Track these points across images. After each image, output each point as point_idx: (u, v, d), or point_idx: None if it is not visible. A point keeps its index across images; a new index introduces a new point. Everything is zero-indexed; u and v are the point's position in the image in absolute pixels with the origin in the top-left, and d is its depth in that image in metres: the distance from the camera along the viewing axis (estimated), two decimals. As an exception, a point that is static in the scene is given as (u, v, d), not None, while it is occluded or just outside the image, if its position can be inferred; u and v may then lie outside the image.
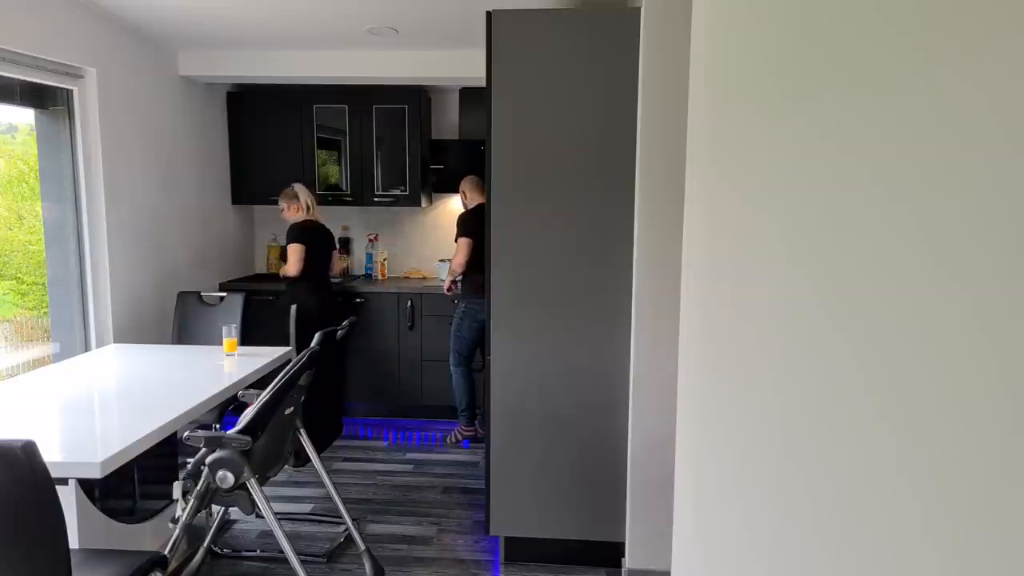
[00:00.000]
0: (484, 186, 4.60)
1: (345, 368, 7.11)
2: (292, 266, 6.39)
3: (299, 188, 6.58)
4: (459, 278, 6.52)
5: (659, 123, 3.86)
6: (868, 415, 1.09)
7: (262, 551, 4.74)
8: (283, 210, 6.55)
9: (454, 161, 7.56)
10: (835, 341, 1.19)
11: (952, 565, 0.90)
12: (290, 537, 3.93)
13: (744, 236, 1.66)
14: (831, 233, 1.20)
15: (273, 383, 3.90)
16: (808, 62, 1.32)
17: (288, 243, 6.42)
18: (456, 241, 6.43)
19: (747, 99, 1.66)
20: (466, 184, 6.60)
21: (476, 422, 6.72)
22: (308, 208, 6.53)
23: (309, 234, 6.49)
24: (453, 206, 7.82)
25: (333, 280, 7.09)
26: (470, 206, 6.47)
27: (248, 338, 5.74)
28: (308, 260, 6.44)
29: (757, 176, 1.57)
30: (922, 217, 0.95)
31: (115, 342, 5.69)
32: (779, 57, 1.46)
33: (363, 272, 8.06)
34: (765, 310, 1.51)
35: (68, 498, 3.44)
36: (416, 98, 7.38)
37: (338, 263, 7.00)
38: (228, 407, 4.84)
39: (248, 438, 3.61)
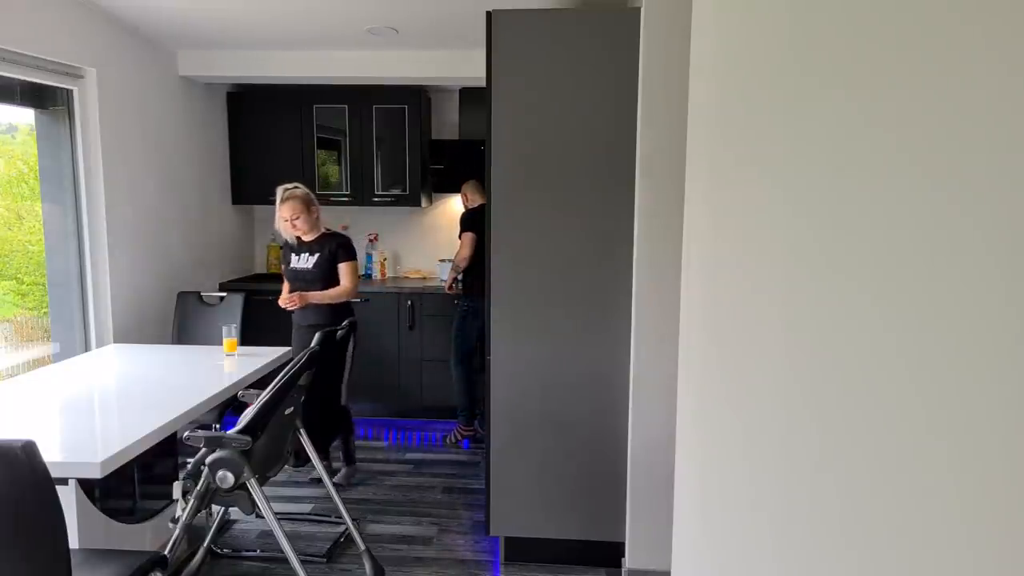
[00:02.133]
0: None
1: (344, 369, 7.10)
2: (355, 287, 5.73)
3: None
4: (460, 276, 6.53)
5: (659, 123, 3.85)
6: (869, 413, 1.09)
7: (262, 551, 4.74)
8: (315, 216, 5.70)
9: (454, 161, 7.56)
10: (836, 339, 1.19)
11: (953, 565, 0.90)
12: (290, 537, 3.93)
13: (744, 235, 1.66)
14: (832, 232, 1.20)
15: (273, 383, 3.90)
16: (808, 61, 1.32)
17: (350, 259, 5.67)
18: (460, 237, 6.44)
19: (747, 98, 1.66)
20: (468, 187, 6.64)
21: (476, 422, 6.72)
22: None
23: None
24: (453, 206, 7.83)
25: None
26: (472, 207, 6.49)
27: (248, 338, 5.74)
28: None
29: (757, 175, 1.57)
30: (923, 216, 0.95)
31: (115, 342, 5.69)
32: (779, 56, 1.46)
33: (363, 272, 8.04)
34: (766, 309, 1.51)
35: (68, 498, 3.44)
36: (416, 98, 7.38)
37: None
38: (228, 407, 4.84)
39: (248, 438, 3.60)
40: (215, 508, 4.53)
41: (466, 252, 6.34)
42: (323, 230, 5.71)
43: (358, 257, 5.74)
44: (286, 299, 5.59)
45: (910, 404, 0.99)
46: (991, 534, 0.84)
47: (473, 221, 6.26)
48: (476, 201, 6.45)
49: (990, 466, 0.83)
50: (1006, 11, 0.80)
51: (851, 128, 1.15)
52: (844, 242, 1.16)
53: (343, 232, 5.88)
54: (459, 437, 6.77)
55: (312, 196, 5.68)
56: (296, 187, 5.67)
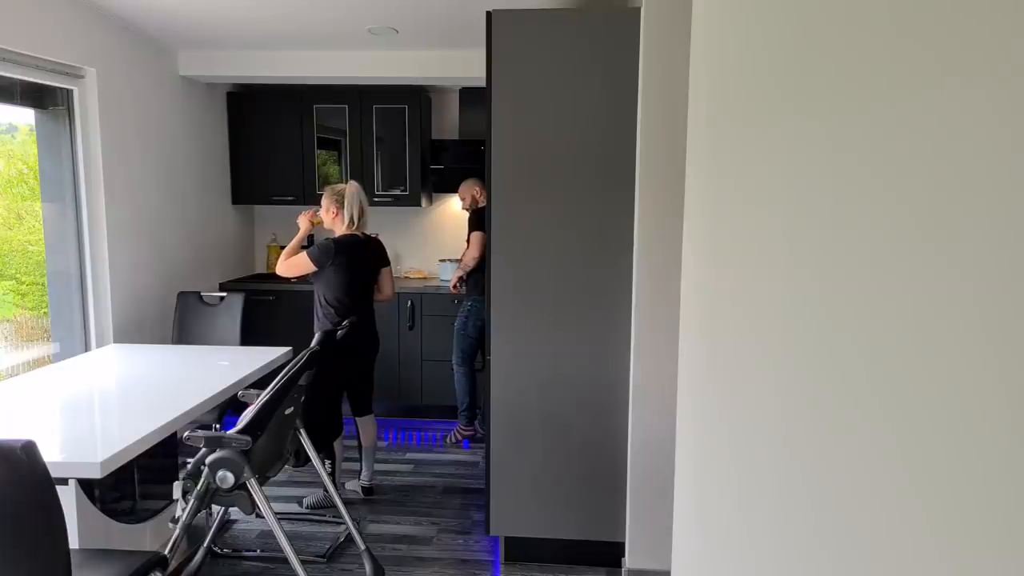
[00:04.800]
0: None
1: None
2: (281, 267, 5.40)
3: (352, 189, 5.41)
4: (464, 275, 6.51)
5: (659, 123, 3.86)
6: (870, 415, 1.09)
7: (262, 551, 4.74)
8: (331, 215, 5.41)
9: (454, 161, 7.56)
10: (836, 340, 1.19)
11: (954, 565, 0.90)
12: (290, 537, 3.93)
13: (744, 236, 1.66)
14: (832, 233, 1.20)
15: (273, 383, 3.90)
16: (808, 61, 1.32)
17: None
18: (468, 236, 6.44)
19: (747, 98, 1.66)
20: (475, 184, 6.57)
21: (476, 422, 6.73)
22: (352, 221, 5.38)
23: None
24: (453, 206, 7.83)
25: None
26: (482, 205, 6.45)
27: (248, 338, 5.75)
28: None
29: (757, 176, 1.57)
30: (923, 217, 0.95)
31: (115, 342, 5.69)
32: (779, 56, 1.46)
33: (363, 272, 8.04)
34: (766, 310, 1.51)
35: (68, 498, 3.44)
36: (416, 98, 7.38)
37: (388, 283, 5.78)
38: (228, 407, 4.84)
39: (248, 438, 3.60)
40: (215, 508, 4.53)
41: (476, 252, 6.31)
42: (338, 233, 5.38)
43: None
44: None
45: (911, 405, 0.99)
46: (991, 535, 0.84)
47: (483, 220, 6.24)
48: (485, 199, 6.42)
49: (990, 466, 0.83)
50: (1010, 10, 0.80)
51: (852, 127, 1.15)
52: (845, 242, 1.16)
53: (327, 239, 5.35)
54: (459, 437, 6.78)
55: (340, 195, 5.35)
56: (348, 183, 5.44)
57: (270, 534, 4.65)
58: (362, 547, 4.43)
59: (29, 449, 2.45)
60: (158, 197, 6.39)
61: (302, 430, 4.44)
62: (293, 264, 5.30)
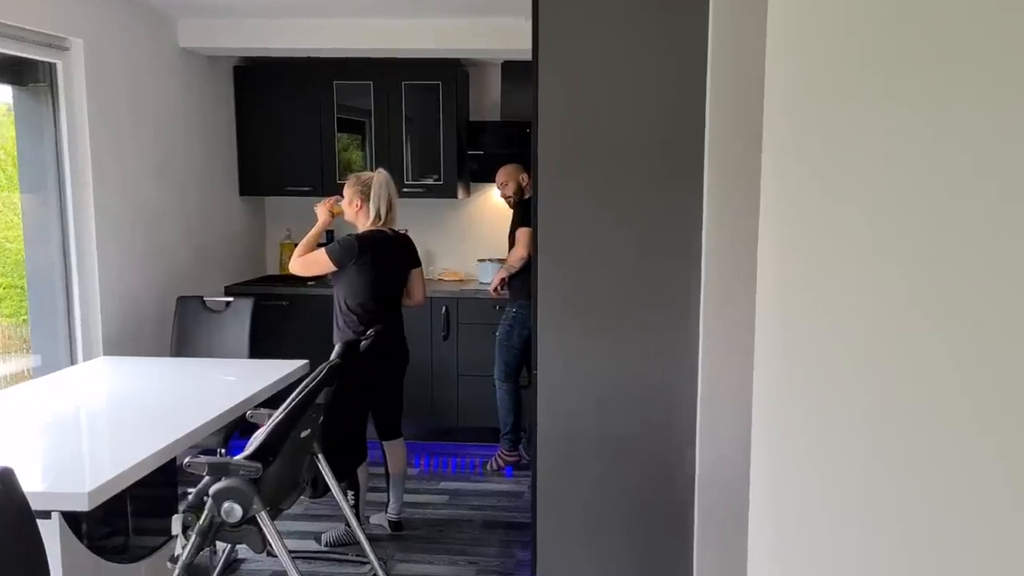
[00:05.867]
0: None
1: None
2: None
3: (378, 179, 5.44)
4: (508, 277, 6.47)
5: (731, 103, 3.83)
6: (975, 438, 1.08)
7: (273, 595, 4.77)
8: (355, 208, 5.42)
9: (495, 146, 7.55)
10: (937, 354, 1.18)
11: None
12: (305, 580, 3.95)
13: (830, 236, 1.65)
14: (931, 234, 1.19)
15: (287, 401, 3.92)
16: (903, 34, 1.31)
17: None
18: (512, 232, 6.41)
19: (832, 75, 1.65)
20: (518, 171, 6.54)
21: (520, 446, 6.71)
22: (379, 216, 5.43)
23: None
24: (494, 197, 7.79)
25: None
26: (528, 195, 6.41)
27: (258, 349, 5.77)
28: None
29: (845, 167, 1.56)
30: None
31: (105, 354, 5.74)
32: (869, 28, 1.45)
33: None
34: (855, 320, 1.50)
35: (51, 533, 3.47)
36: (451, 73, 7.39)
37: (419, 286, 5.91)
38: (235, 429, 4.86)
39: (258, 465, 3.62)
40: (220, 545, 4.56)
41: (524, 251, 6.25)
42: (361, 228, 5.43)
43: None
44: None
45: (1020, 428, 0.98)
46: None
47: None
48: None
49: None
50: None
51: (955, 111, 1.14)
52: (945, 245, 1.15)
53: (350, 235, 5.44)
54: (501, 463, 6.77)
55: (366, 185, 5.39)
56: (376, 172, 5.51)
57: (283, 575, 4.68)
58: (388, 591, 4.45)
59: (6, 478, 2.48)
60: (154, 187, 6.44)
61: (320, 455, 4.45)
62: (309, 261, 5.34)
